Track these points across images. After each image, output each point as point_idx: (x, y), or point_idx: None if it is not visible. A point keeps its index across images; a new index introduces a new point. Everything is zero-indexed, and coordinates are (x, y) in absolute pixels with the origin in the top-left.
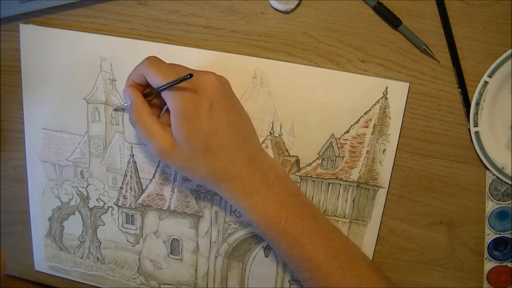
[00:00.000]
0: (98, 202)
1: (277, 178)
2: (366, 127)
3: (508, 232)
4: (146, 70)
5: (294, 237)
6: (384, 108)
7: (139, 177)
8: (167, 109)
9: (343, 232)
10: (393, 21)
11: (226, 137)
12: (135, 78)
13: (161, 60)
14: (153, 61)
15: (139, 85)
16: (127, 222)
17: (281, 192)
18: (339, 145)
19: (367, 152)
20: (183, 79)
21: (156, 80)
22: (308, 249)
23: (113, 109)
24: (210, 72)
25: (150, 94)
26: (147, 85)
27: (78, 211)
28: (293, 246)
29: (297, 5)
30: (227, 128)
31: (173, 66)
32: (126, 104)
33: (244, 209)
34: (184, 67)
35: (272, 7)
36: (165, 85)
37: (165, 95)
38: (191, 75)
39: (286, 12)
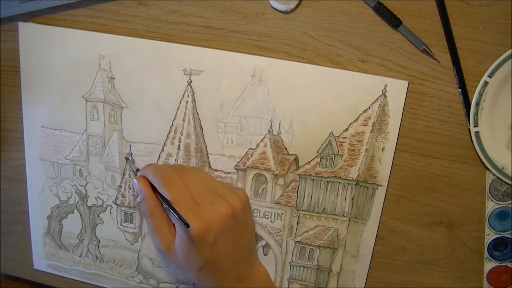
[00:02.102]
0: (96, 200)
1: (266, 284)
2: (365, 125)
3: (508, 232)
4: (159, 186)
5: None
6: (383, 106)
7: None
8: None
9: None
10: (393, 21)
11: (221, 263)
12: (148, 177)
13: (179, 179)
14: (170, 180)
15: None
16: (125, 221)
17: None
18: (338, 143)
19: (366, 150)
20: (183, 222)
21: (166, 198)
22: None
23: (126, 159)
24: (224, 203)
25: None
26: None
27: (77, 209)
28: None
29: (297, 5)
30: (224, 258)
31: (190, 189)
32: (134, 169)
33: None
34: (206, 186)
35: (272, 7)
36: (170, 207)
37: (173, 216)
38: (188, 226)
39: (286, 12)
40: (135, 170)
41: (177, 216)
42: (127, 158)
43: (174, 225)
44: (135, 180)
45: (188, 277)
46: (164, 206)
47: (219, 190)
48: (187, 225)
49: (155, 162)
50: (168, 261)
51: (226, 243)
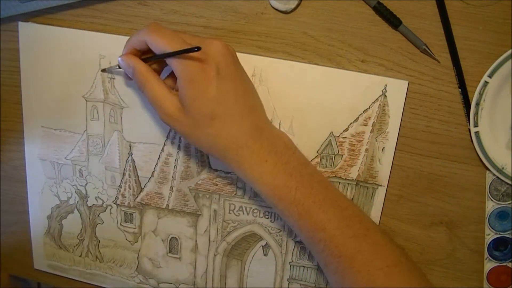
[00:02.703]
0: (96, 200)
1: (285, 147)
2: (365, 125)
3: (508, 232)
4: (149, 37)
5: (305, 207)
6: (383, 106)
7: (138, 176)
8: (171, 73)
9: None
10: (393, 21)
11: (233, 104)
12: (135, 45)
13: (163, 26)
14: (156, 27)
15: (138, 51)
16: (125, 221)
17: (290, 161)
18: (338, 143)
19: (366, 150)
20: (191, 50)
21: (161, 47)
22: (320, 219)
23: (101, 70)
24: (217, 38)
25: (149, 59)
26: (145, 51)
27: (77, 209)
28: (304, 216)
29: (297, 5)
30: (233, 96)
31: (177, 32)
32: (117, 67)
33: (252, 179)
34: (189, 34)
35: (272, 7)
36: (172, 53)
37: (171, 61)
38: (199, 48)
39: (286, 12)
40: (118, 67)
41: (184, 51)
42: (104, 70)
43: (172, 91)
44: (119, 59)
45: (202, 145)
46: (163, 56)
47: (202, 36)
48: (197, 48)
49: (155, 162)
50: (176, 128)
51: (230, 77)
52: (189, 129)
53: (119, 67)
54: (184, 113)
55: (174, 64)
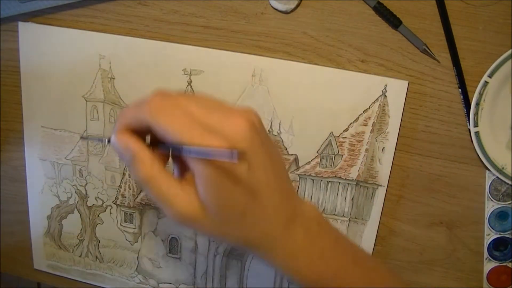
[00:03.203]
0: (96, 200)
1: (319, 226)
2: (365, 125)
3: (508, 232)
4: (155, 122)
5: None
6: (383, 106)
7: None
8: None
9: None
10: (393, 21)
11: (267, 197)
12: (133, 123)
13: (171, 101)
14: (162, 107)
15: (136, 129)
16: (125, 221)
17: (325, 245)
18: (338, 143)
19: (366, 150)
20: (223, 155)
21: (173, 136)
22: None
23: (81, 136)
24: (239, 115)
25: (155, 147)
26: (148, 131)
27: (77, 209)
28: None
29: (297, 5)
30: (267, 187)
31: (189, 111)
32: (97, 139)
33: (287, 274)
34: (203, 101)
35: (272, 7)
36: (192, 151)
37: (190, 156)
38: (233, 153)
39: (286, 12)
40: (99, 139)
41: (177, 151)
42: (82, 137)
43: (184, 178)
44: (113, 138)
45: (229, 242)
46: (170, 150)
47: (222, 106)
48: (233, 151)
49: None
50: (195, 228)
51: (261, 165)
52: (213, 228)
53: (99, 140)
54: (206, 212)
55: (192, 160)
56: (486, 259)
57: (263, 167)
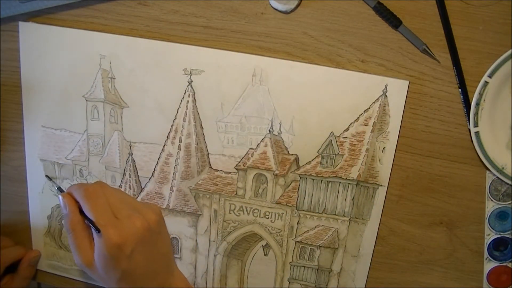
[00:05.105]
0: None
1: None
2: (366, 125)
3: (508, 232)
4: (83, 202)
5: None
6: (384, 106)
7: (138, 176)
8: None
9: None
10: (393, 21)
11: (140, 273)
12: (72, 192)
13: (102, 194)
14: (93, 194)
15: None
16: None
17: None
18: (338, 143)
19: (367, 150)
20: (96, 229)
21: (87, 214)
22: None
23: (46, 175)
24: (138, 217)
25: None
26: None
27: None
28: None
29: (297, 5)
30: (142, 268)
31: (111, 203)
32: (56, 188)
33: None
34: (129, 202)
35: (272, 7)
36: (91, 223)
37: (93, 230)
38: (99, 231)
39: (286, 12)
40: (57, 188)
41: (92, 226)
42: (48, 177)
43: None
44: (60, 197)
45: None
46: (85, 221)
47: (135, 205)
48: (98, 230)
49: (156, 162)
50: (90, 275)
51: (143, 254)
52: (101, 279)
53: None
54: (95, 267)
55: (94, 234)
56: (486, 259)
57: (144, 254)
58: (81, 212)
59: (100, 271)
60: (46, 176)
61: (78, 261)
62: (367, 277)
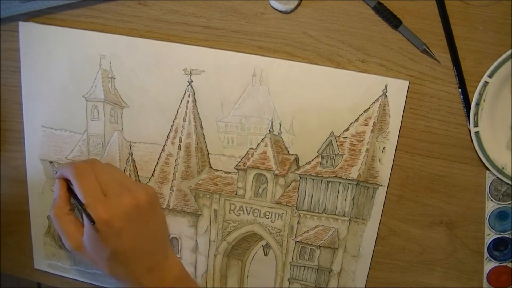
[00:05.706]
0: None
1: (175, 277)
2: (366, 125)
3: (508, 232)
4: (72, 180)
5: None
6: (384, 106)
7: (138, 176)
8: None
9: None
10: (393, 21)
11: (130, 252)
12: (63, 171)
13: (91, 172)
14: (82, 172)
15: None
16: None
17: None
18: (338, 143)
19: (367, 150)
20: (90, 220)
21: (78, 194)
22: None
23: (49, 160)
24: (129, 194)
25: (73, 195)
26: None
27: (77, 209)
28: None
29: (297, 5)
30: (131, 246)
31: (100, 181)
32: (54, 170)
33: None
34: (120, 179)
35: (272, 7)
36: (81, 206)
37: (80, 208)
38: (93, 222)
39: (286, 12)
40: (56, 172)
41: (79, 206)
42: (50, 162)
43: (82, 224)
44: (57, 180)
45: (101, 270)
46: (72, 200)
47: (126, 183)
48: (89, 216)
49: (156, 162)
50: (80, 259)
51: (132, 232)
52: (92, 261)
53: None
54: (84, 249)
55: (84, 214)
56: (486, 259)
57: (133, 232)
58: (71, 190)
59: (90, 252)
60: (48, 161)
61: (67, 245)
62: (367, 277)
